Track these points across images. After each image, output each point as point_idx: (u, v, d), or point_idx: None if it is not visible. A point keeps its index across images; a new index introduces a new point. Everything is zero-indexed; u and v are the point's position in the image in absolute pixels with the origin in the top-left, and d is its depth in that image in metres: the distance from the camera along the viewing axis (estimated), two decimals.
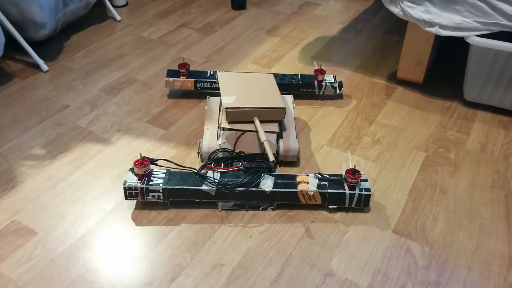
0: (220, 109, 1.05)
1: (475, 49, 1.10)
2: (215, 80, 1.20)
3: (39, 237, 0.85)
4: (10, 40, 1.31)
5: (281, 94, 1.03)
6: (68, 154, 1.05)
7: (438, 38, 1.20)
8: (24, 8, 1.30)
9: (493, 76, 1.13)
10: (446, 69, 1.38)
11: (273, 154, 0.91)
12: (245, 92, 1.01)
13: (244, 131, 0.97)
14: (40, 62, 1.34)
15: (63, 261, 0.81)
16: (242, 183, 0.88)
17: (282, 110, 0.95)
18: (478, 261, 0.82)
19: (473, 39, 1.08)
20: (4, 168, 1.00)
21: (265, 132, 0.96)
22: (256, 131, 0.95)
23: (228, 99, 0.99)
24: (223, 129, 0.97)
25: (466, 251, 0.84)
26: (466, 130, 1.14)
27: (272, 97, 0.97)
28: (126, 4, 1.76)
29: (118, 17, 1.64)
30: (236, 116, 0.96)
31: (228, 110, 0.95)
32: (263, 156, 0.97)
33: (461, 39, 1.11)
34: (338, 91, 1.23)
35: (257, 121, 0.95)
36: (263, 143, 0.90)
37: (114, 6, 1.69)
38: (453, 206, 0.93)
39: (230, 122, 0.97)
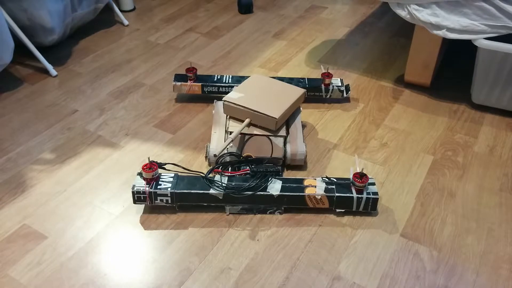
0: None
1: (482, 52, 1.10)
2: (223, 84, 1.21)
3: (48, 241, 0.86)
4: (19, 45, 1.32)
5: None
6: (77, 158, 1.06)
7: (446, 41, 1.20)
8: (33, 13, 1.32)
9: (501, 79, 1.12)
10: (453, 72, 1.37)
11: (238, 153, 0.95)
12: (256, 94, 1.02)
13: (251, 135, 0.98)
14: (49, 67, 1.36)
15: (73, 265, 0.82)
16: (249, 187, 0.89)
17: (272, 120, 0.95)
18: (487, 265, 0.82)
19: (481, 42, 1.08)
20: (14, 173, 1.01)
21: (274, 135, 0.97)
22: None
23: (234, 94, 1.01)
24: (231, 133, 0.97)
25: (474, 255, 0.84)
26: (474, 133, 1.14)
27: (274, 106, 0.97)
28: (134, 9, 1.77)
29: (125, 22, 1.66)
30: (231, 111, 1.00)
31: (225, 102, 1.00)
32: (271, 160, 0.97)
33: (468, 42, 1.10)
34: (345, 95, 1.23)
35: (246, 121, 0.97)
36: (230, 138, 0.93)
37: (121, 11, 1.70)
38: (461, 209, 0.93)
39: (229, 117, 1.01)
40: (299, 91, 1.06)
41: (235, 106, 0.99)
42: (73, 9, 1.43)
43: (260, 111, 0.96)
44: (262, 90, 1.04)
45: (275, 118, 0.95)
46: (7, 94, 1.28)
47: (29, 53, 1.35)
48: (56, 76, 1.36)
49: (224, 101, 1.00)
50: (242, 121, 0.98)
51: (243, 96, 1.00)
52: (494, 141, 1.11)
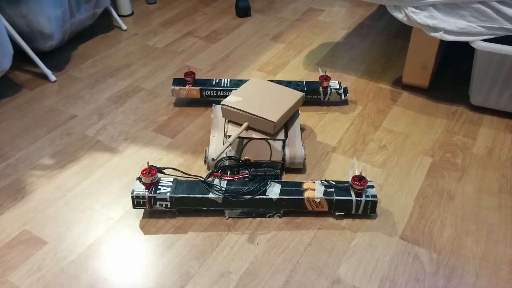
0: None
1: (480, 54, 1.10)
2: (221, 88, 1.21)
3: (49, 246, 0.86)
4: (18, 51, 1.33)
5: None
6: (76, 163, 1.06)
7: (443, 43, 1.20)
8: (31, 19, 1.32)
9: (499, 80, 1.13)
10: (451, 73, 1.37)
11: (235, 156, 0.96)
12: (254, 98, 1.02)
13: (250, 139, 0.98)
14: (48, 72, 1.36)
15: (73, 271, 0.82)
16: (248, 190, 0.89)
17: (271, 123, 0.95)
18: (487, 267, 0.82)
19: (478, 44, 1.08)
20: (14, 178, 1.02)
21: (273, 139, 0.97)
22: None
23: (233, 98, 1.02)
24: (229, 137, 0.97)
25: (474, 257, 0.84)
26: (472, 134, 1.14)
27: (272, 110, 0.98)
28: (132, 14, 1.78)
29: (124, 27, 1.66)
30: (229, 115, 1.01)
31: (223, 106, 1.00)
32: (270, 163, 0.97)
33: (466, 43, 1.11)
34: (343, 97, 1.23)
35: (244, 124, 0.97)
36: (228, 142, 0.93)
37: (120, 16, 1.71)
38: (460, 211, 0.93)
39: (228, 121, 1.01)
40: (297, 95, 1.06)
41: (233, 110, 0.99)
42: (71, 14, 1.44)
43: (258, 115, 0.96)
44: (260, 94, 1.04)
45: (273, 122, 0.95)
46: (7, 100, 1.28)
47: (28, 59, 1.35)
48: (55, 81, 1.36)
49: (223, 105, 1.00)
50: (241, 125, 0.98)
51: (242, 100, 1.01)
52: (493, 143, 1.11)
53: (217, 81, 1.24)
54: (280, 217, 0.92)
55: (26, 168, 1.05)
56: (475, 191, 0.98)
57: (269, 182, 0.91)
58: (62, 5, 1.37)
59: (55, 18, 1.36)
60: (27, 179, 1.02)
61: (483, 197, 0.96)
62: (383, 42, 1.57)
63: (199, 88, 1.21)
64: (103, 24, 1.68)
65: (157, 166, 0.92)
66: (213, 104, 1.12)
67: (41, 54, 1.39)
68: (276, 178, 0.93)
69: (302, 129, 1.16)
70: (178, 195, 0.88)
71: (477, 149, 1.09)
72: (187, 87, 1.21)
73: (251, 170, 0.93)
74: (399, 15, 1.15)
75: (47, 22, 1.34)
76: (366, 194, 0.89)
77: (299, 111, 1.10)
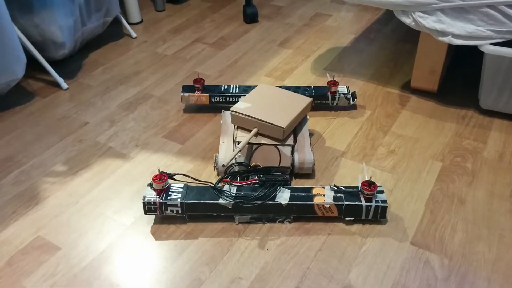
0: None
1: (489, 57, 1.10)
2: (230, 94, 1.23)
3: (62, 252, 0.87)
4: (31, 60, 1.35)
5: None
6: (88, 170, 1.07)
7: (452, 46, 1.20)
8: (44, 29, 1.35)
9: (509, 84, 1.12)
10: (460, 77, 1.37)
11: (246, 161, 0.96)
12: (263, 104, 1.03)
13: (259, 145, 0.98)
14: (60, 80, 1.38)
15: (86, 276, 0.83)
16: (258, 196, 0.89)
17: (280, 129, 0.96)
18: (499, 273, 0.81)
19: (487, 48, 1.08)
20: (28, 185, 1.03)
21: (282, 145, 0.98)
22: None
23: (242, 104, 1.02)
24: (239, 143, 0.98)
25: (486, 262, 0.83)
26: (483, 138, 1.13)
27: (281, 116, 0.98)
28: (141, 21, 1.80)
29: (133, 34, 1.68)
30: (238, 121, 1.01)
31: (233, 113, 1.01)
32: (279, 169, 0.98)
33: (475, 47, 1.10)
34: (351, 102, 1.23)
35: (254, 130, 0.98)
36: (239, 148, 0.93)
37: (129, 24, 1.73)
38: (471, 216, 0.93)
39: (237, 127, 1.02)
40: (306, 100, 1.07)
41: (242, 116, 1.00)
42: (82, 23, 1.46)
43: (267, 121, 0.97)
44: (269, 100, 1.05)
45: (282, 128, 0.96)
46: (20, 108, 1.31)
47: (40, 67, 1.38)
48: (67, 89, 1.39)
49: (232, 111, 1.01)
50: (250, 131, 0.99)
51: (251, 106, 1.02)
52: (504, 147, 1.11)
53: (225, 87, 1.25)
54: (290, 222, 0.92)
55: (39, 175, 1.06)
56: (486, 196, 0.97)
57: (278, 187, 0.92)
58: (73, 15, 1.40)
59: (67, 27, 1.39)
60: (40, 185, 1.03)
61: (495, 202, 0.96)
62: (391, 46, 1.57)
63: (208, 94, 1.23)
64: (113, 32, 1.70)
65: (168, 172, 0.93)
66: (222, 110, 1.13)
67: (53, 63, 1.41)
68: (285, 183, 0.93)
69: (311, 135, 1.16)
70: (188, 201, 0.89)
71: (487, 153, 1.09)
72: (196, 93, 1.23)
73: (261, 175, 0.94)
74: (407, 20, 1.15)
75: (59, 32, 1.36)
76: (376, 199, 0.89)
77: (308, 117, 1.11)
